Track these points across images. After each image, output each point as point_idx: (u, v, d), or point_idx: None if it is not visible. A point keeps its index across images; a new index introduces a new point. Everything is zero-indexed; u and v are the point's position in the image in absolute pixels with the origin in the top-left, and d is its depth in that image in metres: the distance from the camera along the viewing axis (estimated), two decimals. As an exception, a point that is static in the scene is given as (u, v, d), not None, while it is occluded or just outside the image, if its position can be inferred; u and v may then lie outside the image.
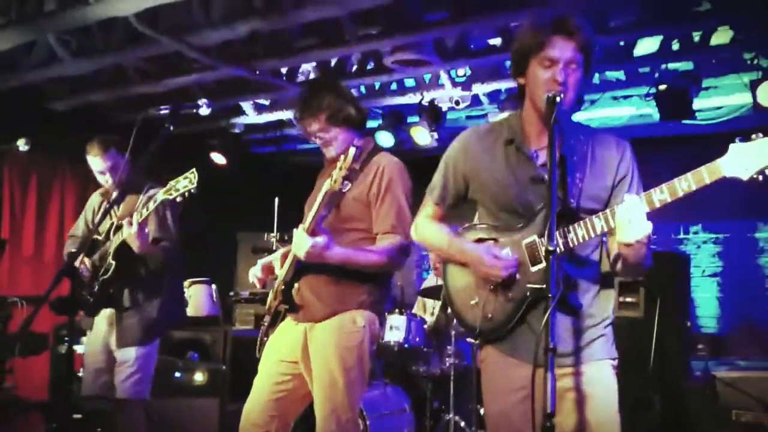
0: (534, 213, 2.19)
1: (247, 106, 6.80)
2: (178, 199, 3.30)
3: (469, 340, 2.44)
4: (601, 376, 2.18)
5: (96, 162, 3.86)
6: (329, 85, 3.08)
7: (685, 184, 1.91)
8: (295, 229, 2.79)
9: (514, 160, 2.25)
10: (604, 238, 2.25)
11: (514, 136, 2.27)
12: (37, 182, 6.83)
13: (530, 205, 2.21)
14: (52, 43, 5.31)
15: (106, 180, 3.90)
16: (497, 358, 2.29)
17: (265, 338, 3.09)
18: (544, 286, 1.84)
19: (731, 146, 1.86)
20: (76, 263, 3.47)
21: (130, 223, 3.45)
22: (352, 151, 2.75)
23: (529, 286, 2.13)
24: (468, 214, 2.52)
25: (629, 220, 1.94)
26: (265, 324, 3.12)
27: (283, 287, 3.00)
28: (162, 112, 2.77)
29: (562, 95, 2.04)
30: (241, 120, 7.05)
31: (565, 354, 2.15)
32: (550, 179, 1.95)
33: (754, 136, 1.84)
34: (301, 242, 2.73)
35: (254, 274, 3.12)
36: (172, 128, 2.75)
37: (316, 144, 3.07)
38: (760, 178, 1.84)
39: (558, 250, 1.94)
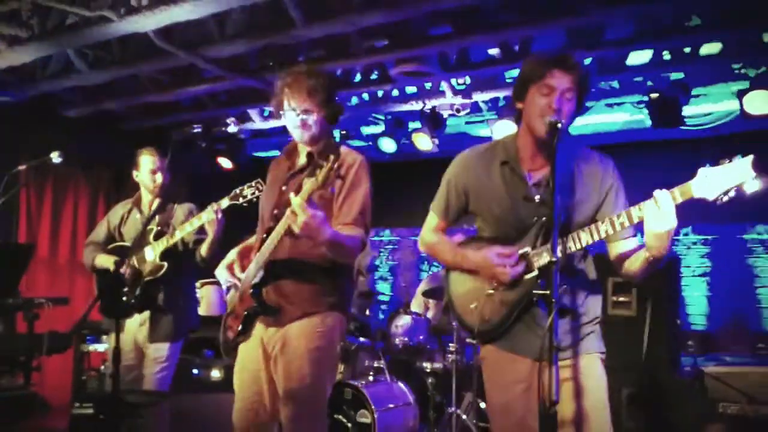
0: (526, 228, 2.44)
1: (253, 112, 7.02)
2: (244, 205, 3.50)
3: (468, 340, 2.66)
4: (593, 367, 2.43)
5: (149, 160, 4.10)
6: (328, 76, 3.06)
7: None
8: (292, 195, 2.59)
9: (509, 179, 2.48)
10: (590, 249, 2.47)
11: (509, 158, 2.49)
12: (53, 187, 7.05)
13: (523, 221, 2.44)
14: (71, 55, 5.52)
15: (155, 179, 4.12)
16: (497, 355, 2.53)
17: (235, 344, 3.03)
18: (549, 292, 2.09)
19: (700, 170, 2.08)
20: (122, 269, 3.73)
21: (199, 215, 3.72)
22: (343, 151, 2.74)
23: (535, 292, 2.37)
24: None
25: (659, 212, 2.12)
26: (233, 330, 3.03)
27: (251, 290, 2.92)
28: (195, 131, 2.98)
29: (562, 122, 2.29)
30: (247, 126, 7.27)
31: (563, 348, 2.39)
32: (552, 199, 2.18)
33: (721, 161, 2.06)
34: (301, 212, 2.53)
35: (226, 279, 3.06)
36: (204, 145, 2.97)
37: (282, 122, 3.03)
38: (725, 198, 2.05)
39: (539, 258, 2.25)
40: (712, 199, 2.07)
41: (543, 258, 2.38)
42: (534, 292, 2.38)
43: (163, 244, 3.90)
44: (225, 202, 3.58)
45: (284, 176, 3.04)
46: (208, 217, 3.67)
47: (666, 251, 2.22)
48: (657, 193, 2.14)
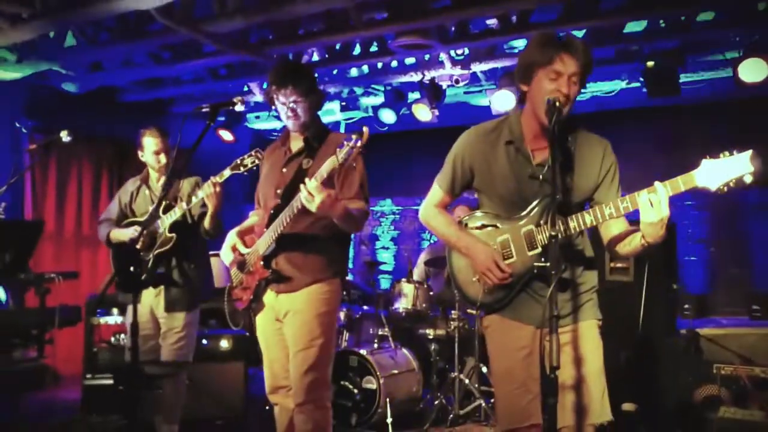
0: (530, 205, 2.53)
1: (253, 85, 7.06)
2: (245, 174, 3.63)
3: (470, 311, 2.77)
4: (590, 333, 2.57)
5: (152, 142, 4.19)
6: (308, 67, 3.42)
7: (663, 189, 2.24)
8: (307, 180, 2.84)
9: (513, 158, 2.56)
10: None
11: (514, 137, 2.57)
12: (56, 163, 7.14)
13: (527, 199, 2.54)
14: (72, 31, 5.55)
15: (159, 159, 4.22)
16: (501, 323, 2.65)
17: (252, 313, 3.38)
18: (548, 264, 2.22)
19: (703, 161, 2.19)
20: (138, 245, 3.85)
21: (201, 187, 3.83)
22: (366, 131, 2.87)
23: (536, 264, 2.50)
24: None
25: (652, 203, 2.22)
26: (243, 300, 3.38)
27: (262, 262, 3.24)
28: (204, 110, 3.07)
29: (561, 101, 2.37)
30: (248, 98, 7.31)
31: (563, 316, 2.51)
32: (554, 177, 2.27)
33: (721, 155, 2.17)
34: (317, 193, 2.80)
35: (231, 259, 3.39)
36: (212, 125, 3.06)
37: (274, 112, 3.33)
38: (725, 189, 2.17)
39: (541, 237, 2.41)
40: (714, 189, 2.18)
41: (545, 235, 2.48)
42: (536, 264, 2.49)
43: (171, 217, 4.00)
44: (227, 172, 3.70)
45: (282, 160, 3.37)
46: (206, 191, 3.78)
47: (661, 238, 2.30)
48: (657, 184, 2.24)
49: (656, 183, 2.24)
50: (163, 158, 4.22)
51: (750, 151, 2.14)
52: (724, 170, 2.16)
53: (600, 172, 2.54)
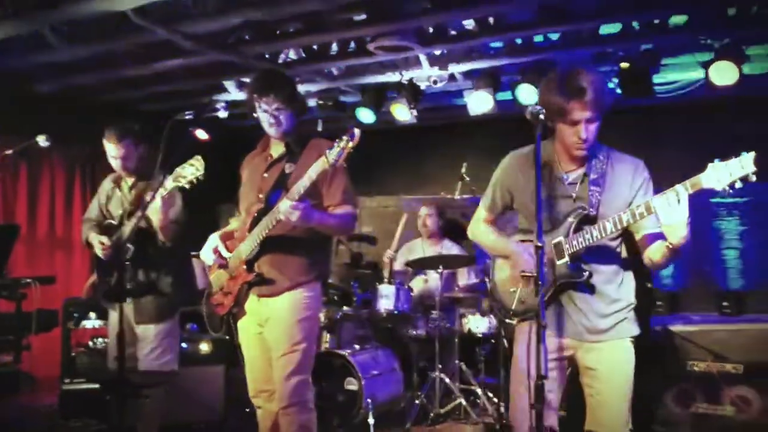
0: (561, 221, 2.73)
1: (228, 83, 7.02)
2: (187, 186, 3.44)
3: (507, 320, 2.94)
4: (620, 352, 2.75)
5: (109, 147, 4.07)
6: (288, 75, 3.49)
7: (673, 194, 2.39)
8: (284, 200, 3.04)
9: (547, 180, 2.77)
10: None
11: (548, 160, 2.79)
12: (28, 165, 7.02)
13: (559, 215, 2.75)
14: (45, 32, 5.45)
15: (117, 166, 4.12)
16: (531, 332, 2.75)
17: (231, 318, 3.41)
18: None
19: (710, 165, 2.33)
20: (102, 253, 3.78)
21: (154, 198, 3.57)
22: (357, 132, 2.93)
23: (560, 268, 2.70)
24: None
25: (670, 204, 2.38)
26: (224, 305, 3.40)
27: (245, 265, 3.29)
28: (186, 117, 3.07)
29: (542, 115, 2.51)
30: (223, 97, 7.26)
31: (599, 331, 2.72)
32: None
33: (728, 160, 2.31)
34: (290, 212, 3.00)
35: (213, 260, 3.40)
36: (196, 132, 3.06)
37: (255, 120, 3.36)
38: (729, 189, 2.31)
39: (568, 246, 2.62)
40: (719, 189, 2.31)
41: (573, 246, 2.67)
42: (561, 274, 2.70)
43: (131, 224, 3.87)
44: (170, 184, 3.48)
45: (263, 165, 3.42)
46: (154, 206, 3.63)
47: (685, 240, 2.45)
48: (677, 187, 2.38)
49: (677, 186, 2.39)
50: (119, 164, 4.08)
51: (753, 153, 2.28)
52: (729, 171, 2.29)
53: (631, 190, 2.71)
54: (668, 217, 2.38)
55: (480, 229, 3.08)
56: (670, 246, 2.49)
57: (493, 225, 3.06)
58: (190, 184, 3.41)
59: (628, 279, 2.82)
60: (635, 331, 2.80)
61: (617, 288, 2.77)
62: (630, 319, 2.80)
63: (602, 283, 2.72)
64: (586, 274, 2.66)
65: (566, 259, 2.68)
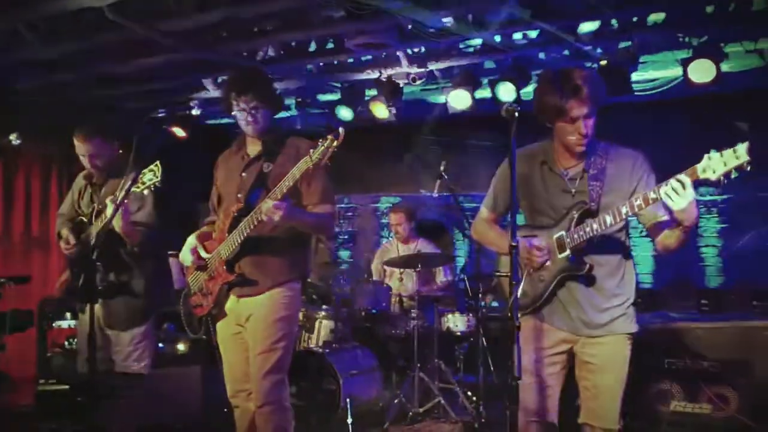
0: (562, 215, 2.81)
1: (206, 81, 6.94)
2: (145, 192, 3.42)
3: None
4: (616, 347, 2.80)
5: (79, 146, 4.03)
6: (265, 73, 3.50)
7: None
8: (267, 199, 3.06)
9: (547, 177, 2.88)
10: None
11: (547, 159, 2.89)
12: (2, 163, 6.91)
13: (560, 210, 2.83)
14: (21, 29, 5.38)
15: (86, 164, 4.08)
16: (534, 325, 2.90)
17: (210, 319, 3.40)
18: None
19: (705, 156, 2.39)
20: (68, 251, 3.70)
21: (114, 202, 3.53)
22: (341, 131, 2.92)
23: (561, 261, 2.77)
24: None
25: (677, 191, 2.43)
26: (204, 307, 3.39)
27: (224, 266, 3.28)
28: (160, 115, 3.03)
29: (517, 113, 2.52)
30: (201, 95, 7.19)
31: (596, 326, 2.78)
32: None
33: (722, 149, 2.36)
34: (272, 212, 3.02)
35: (191, 261, 3.38)
36: (173, 129, 3.01)
37: (232, 118, 3.37)
38: (724, 179, 2.36)
39: (570, 240, 2.71)
40: (714, 179, 2.38)
41: (574, 239, 2.74)
42: (562, 267, 2.78)
43: (99, 223, 3.79)
44: (130, 188, 3.40)
45: (241, 164, 3.39)
46: (109, 211, 3.56)
47: (696, 218, 2.55)
48: (679, 176, 2.45)
49: (678, 175, 2.46)
50: (88, 162, 4.02)
51: (746, 143, 2.32)
52: (724, 161, 2.34)
53: (631, 183, 2.77)
54: (679, 203, 2.44)
55: (484, 228, 3.14)
56: (686, 228, 2.56)
57: (495, 224, 3.12)
58: (148, 190, 3.41)
59: (630, 272, 2.87)
60: (633, 328, 2.84)
61: (618, 283, 2.82)
62: (628, 315, 2.84)
63: (604, 276, 2.78)
64: (587, 266, 2.73)
65: (567, 252, 2.75)
